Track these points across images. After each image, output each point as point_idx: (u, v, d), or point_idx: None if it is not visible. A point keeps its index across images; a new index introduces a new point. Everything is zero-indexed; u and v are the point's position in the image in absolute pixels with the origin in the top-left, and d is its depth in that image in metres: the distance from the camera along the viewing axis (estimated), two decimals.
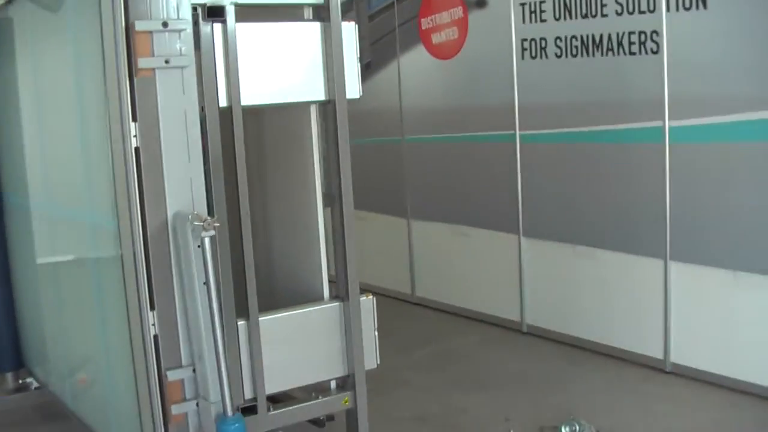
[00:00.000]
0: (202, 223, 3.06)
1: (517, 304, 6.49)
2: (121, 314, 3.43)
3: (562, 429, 4.58)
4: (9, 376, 5.52)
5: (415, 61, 7.03)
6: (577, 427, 4.58)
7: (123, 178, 3.22)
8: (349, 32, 3.65)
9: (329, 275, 3.84)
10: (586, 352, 5.94)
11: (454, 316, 6.92)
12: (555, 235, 6.14)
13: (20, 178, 4.84)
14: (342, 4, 3.67)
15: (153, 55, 3.15)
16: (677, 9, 5.13)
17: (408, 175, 7.19)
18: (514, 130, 6.26)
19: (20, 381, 5.54)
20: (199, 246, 3.12)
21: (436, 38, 6.85)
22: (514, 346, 6.29)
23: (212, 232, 3.08)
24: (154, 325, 3.27)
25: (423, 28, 6.94)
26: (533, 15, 6.02)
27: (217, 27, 3.33)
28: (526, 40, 6.09)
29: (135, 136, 3.16)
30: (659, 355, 5.54)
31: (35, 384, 5.47)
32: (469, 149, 6.64)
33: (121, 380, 3.65)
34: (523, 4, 6.07)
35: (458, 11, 6.61)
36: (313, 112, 3.77)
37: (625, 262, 5.66)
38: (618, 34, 5.48)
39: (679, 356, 5.45)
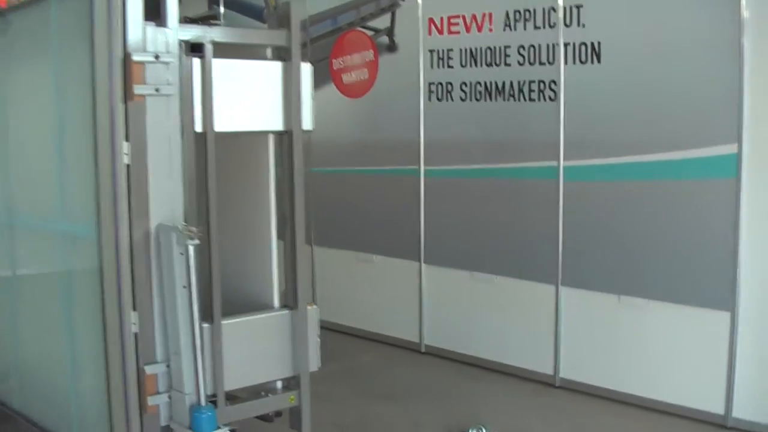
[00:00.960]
0: (189, 233, 3.48)
1: (416, 325, 7.03)
2: (94, 316, 3.79)
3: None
4: None
5: (327, 97, 7.51)
6: (483, 430, 5.12)
7: (110, 192, 3.60)
8: (306, 72, 4.14)
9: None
10: (483, 369, 6.52)
11: (357, 338, 7.41)
12: (455, 262, 6.71)
13: None
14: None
15: (146, 83, 3.57)
16: (574, 62, 5.80)
17: (317, 204, 7.64)
18: (419, 165, 6.82)
19: None
20: (181, 253, 3.53)
21: (346, 78, 7.37)
22: (416, 364, 6.81)
23: (197, 241, 3.51)
24: (134, 323, 3.64)
25: (334, 68, 7.46)
26: (441, 61, 6.61)
27: (197, 61, 3.77)
28: (433, 83, 6.68)
29: (126, 154, 3.56)
30: (550, 371, 6.16)
31: None
32: (376, 182, 7.17)
33: (89, 379, 4.00)
34: (431, 51, 6.66)
35: (369, 54, 7.17)
36: (271, 141, 4.22)
37: (521, 287, 6.27)
38: (519, 82, 6.12)
39: (567, 372, 6.08)
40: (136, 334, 3.65)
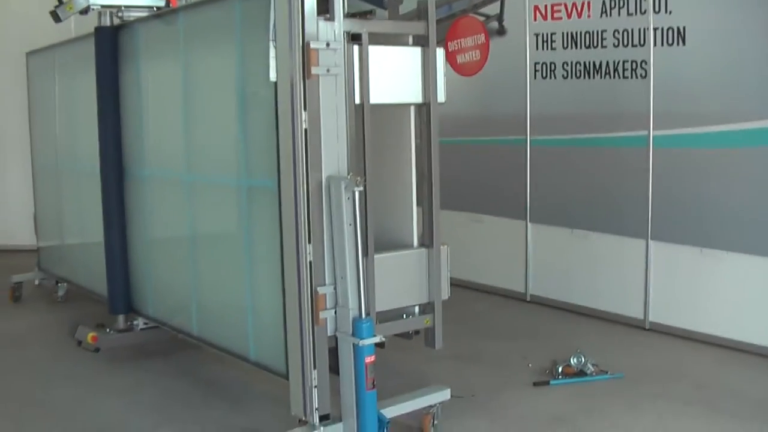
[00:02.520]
0: (356, 181, 4.48)
1: (522, 277, 7.98)
2: (271, 251, 4.83)
3: (571, 360, 6.03)
4: (120, 318, 6.85)
5: None
6: (582, 359, 6.03)
7: (290, 151, 4.60)
8: (440, 55, 5.11)
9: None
10: (581, 315, 7.44)
11: (470, 289, 8.39)
12: (556, 220, 7.64)
13: (153, 153, 6.25)
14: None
15: (320, 65, 4.57)
16: (662, 44, 6.64)
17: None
18: (526, 135, 7.75)
19: (129, 323, 6.86)
20: (348, 198, 4.54)
21: (460, 59, 8.32)
22: (522, 311, 7.77)
23: (361, 188, 4.51)
24: (309, 254, 4.65)
25: (449, 50, 8.41)
26: (545, 44, 7.52)
27: (356, 48, 4.75)
28: (538, 63, 7.59)
29: (305, 120, 4.57)
30: (640, 316, 7.04)
31: (141, 325, 6.79)
32: (487, 150, 8.13)
33: (266, 300, 5.05)
34: (537, 34, 7.57)
35: (481, 37, 8.11)
36: (412, 111, 5.20)
37: (614, 241, 7.17)
38: (614, 62, 6.99)
39: (656, 316, 6.95)
40: (310, 262, 4.66)
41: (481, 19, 8.13)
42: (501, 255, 8.17)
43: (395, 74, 4.97)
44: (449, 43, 8.42)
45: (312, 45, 4.53)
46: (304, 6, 4.52)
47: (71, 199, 7.92)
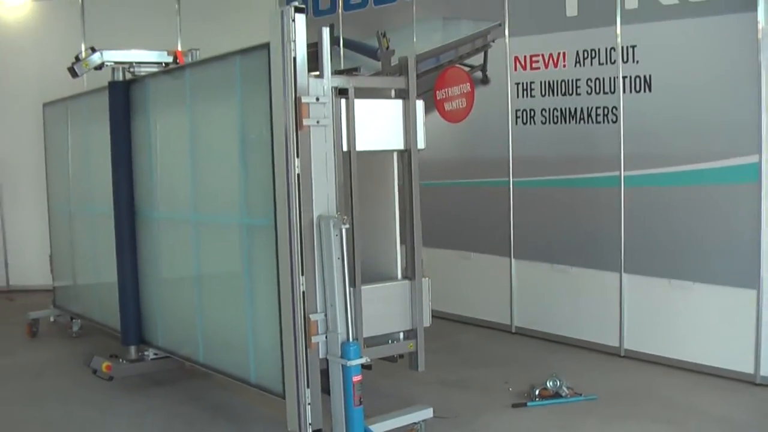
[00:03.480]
0: (343, 220, 5.05)
1: (507, 310, 8.51)
2: (269, 283, 5.39)
3: (548, 383, 6.54)
4: (132, 348, 7.39)
5: (432, 123, 9.04)
6: (558, 382, 6.54)
7: (284, 193, 5.18)
8: (420, 106, 5.69)
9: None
10: (561, 344, 7.96)
11: (457, 322, 8.93)
12: (538, 256, 8.18)
13: (162, 196, 6.84)
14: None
15: (310, 117, 5.15)
16: (630, 91, 7.23)
17: (424, 211, 9.22)
18: (509, 177, 8.32)
19: (140, 353, 7.40)
20: (336, 234, 5.10)
21: (448, 106, 8.93)
22: (506, 341, 8.30)
23: (347, 225, 5.08)
24: (302, 285, 5.21)
25: (438, 98, 9.01)
26: (525, 92, 8.11)
27: (343, 101, 5.34)
28: (519, 110, 8.18)
29: (297, 166, 5.14)
30: (616, 344, 7.57)
31: (152, 355, 7.32)
32: (473, 192, 8.70)
33: (265, 328, 5.60)
34: (517, 83, 8.16)
35: (467, 86, 8.71)
36: (395, 157, 5.78)
37: (591, 275, 7.71)
38: (588, 108, 7.57)
39: (630, 343, 7.48)
40: (303, 292, 5.21)
41: (467, 69, 8.73)
42: (487, 289, 8.71)
43: (379, 124, 5.56)
44: (438, 92, 9.03)
45: (303, 99, 5.12)
46: (296, 65, 5.11)
47: (85, 239, 8.50)
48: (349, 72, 5.71)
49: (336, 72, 5.47)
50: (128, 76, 7.23)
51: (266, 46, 5.27)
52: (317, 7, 10.44)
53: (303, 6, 5.14)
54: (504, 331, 8.57)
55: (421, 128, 5.70)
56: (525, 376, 7.01)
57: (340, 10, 10.14)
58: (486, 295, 8.75)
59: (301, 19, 5.10)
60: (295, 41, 5.08)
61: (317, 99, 5.20)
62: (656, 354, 7.29)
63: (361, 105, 5.42)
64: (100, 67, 7.26)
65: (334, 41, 10.13)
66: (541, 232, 8.15)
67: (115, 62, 7.20)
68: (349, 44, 10.01)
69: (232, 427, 6.13)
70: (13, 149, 11.54)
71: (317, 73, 5.28)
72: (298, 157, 5.15)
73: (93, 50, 7.23)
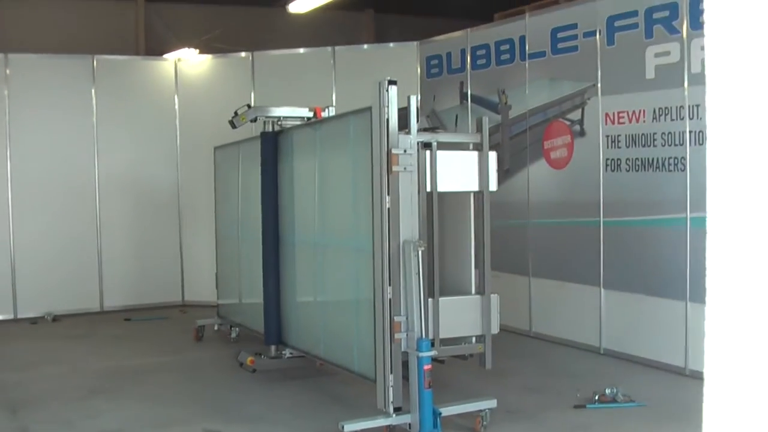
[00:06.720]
0: (419, 244, 6.56)
1: (597, 333, 9.76)
2: (369, 291, 6.93)
3: (606, 390, 7.76)
4: (272, 347, 9.08)
5: (539, 169, 10.45)
6: (615, 390, 7.76)
7: (380, 223, 6.72)
8: (493, 157, 7.14)
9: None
10: (637, 364, 9.15)
11: (550, 342, 10.23)
12: (625, 286, 9.41)
13: (298, 224, 8.52)
14: (491, 128, 7.17)
15: (399, 165, 6.69)
16: (696, 144, 8.42)
17: (531, 244, 10.61)
18: (599, 217, 9.60)
19: (279, 352, 9.06)
20: (414, 255, 6.60)
21: (553, 155, 10.29)
22: (591, 359, 9.55)
23: (423, 248, 6.58)
24: (390, 293, 6.72)
25: (545, 147, 10.39)
26: (613, 143, 9.39)
27: (428, 153, 6.85)
28: (608, 159, 9.47)
29: (388, 202, 6.68)
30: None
31: (288, 354, 8.97)
32: (571, 230, 10.01)
33: (365, 326, 7.14)
34: (608, 136, 9.46)
35: (567, 138, 10.06)
36: (471, 197, 7.24)
37: (671, 305, 8.89)
38: (661, 158, 8.80)
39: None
40: (390, 299, 6.72)
41: (567, 123, 10.08)
42: (579, 315, 9.97)
43: (458, 170, 7.04)
44: (545, 142, 10.41)
45: (393, 151, 6.67)
46: (389, 125, 6.67)
47: (243, 260, 10.30)
48: (432, 130, 7.19)
49: (423, 129, 6.99)
50: (277, 127, 8.97)
51: (369, 109, 6.85)
52: (450, 66, 12.01)
53: (395, 80, 6.69)
54: (593, 352, 9.79)
55: (494, 174, 7.14)
56: (597, 386, 8.24)
57: (468, 69, 11.68)
58: (578, 320, 10.00)
59: (393, 90, 6.66)
60: (388, 106, 6.64)
61: (405, 151, 6.72)
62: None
63: (442, 155, 6.91)
64: (254, 120, 9.04)
65: (463, 96, 11.72)
66: (628, 266, 9.36)
67: (266, 117, 8.96)
68: (474, 99, 11.53)
69: (345, 410, 7.63)
70: (191, 182, 13.54)
71: (407, 130, 6.82)
72: (389, 195, 6.69)
73: (249, 107, 9.03)
